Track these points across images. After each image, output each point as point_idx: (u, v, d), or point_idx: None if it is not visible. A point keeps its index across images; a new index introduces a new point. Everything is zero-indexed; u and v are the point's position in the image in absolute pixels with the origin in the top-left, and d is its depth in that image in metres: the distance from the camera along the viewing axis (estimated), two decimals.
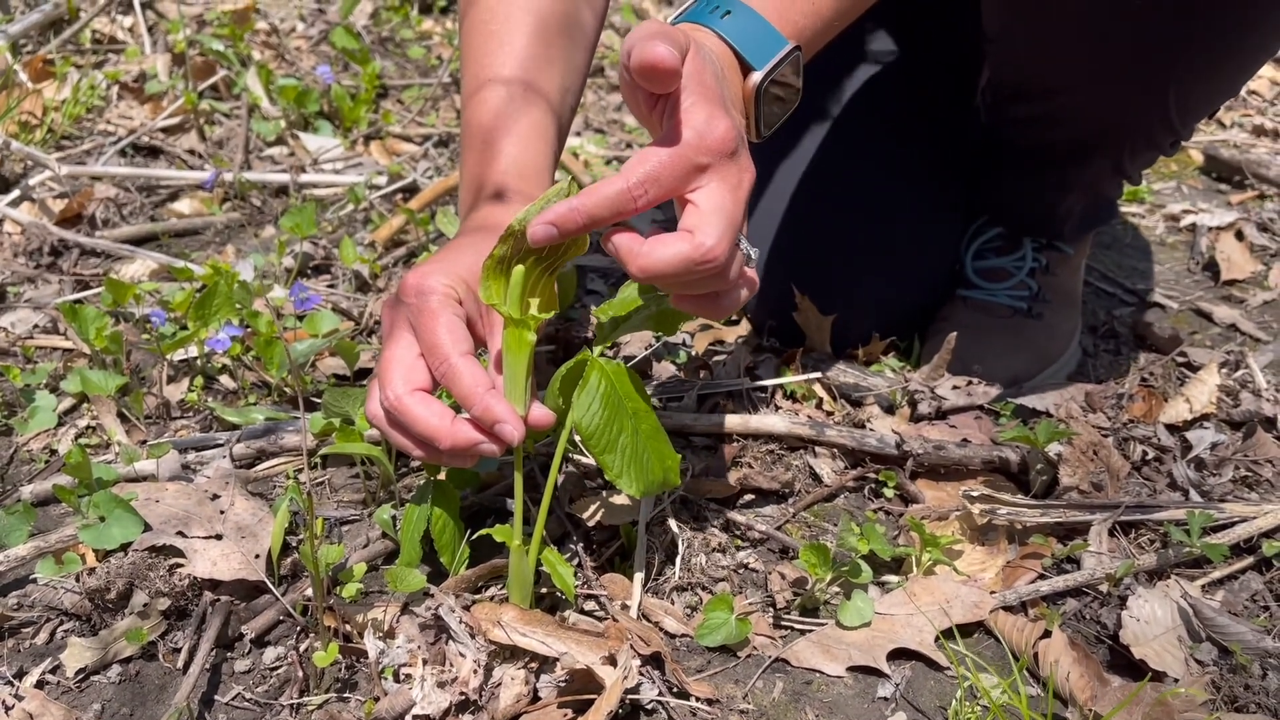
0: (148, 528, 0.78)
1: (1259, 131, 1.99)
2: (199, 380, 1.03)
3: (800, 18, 0.73)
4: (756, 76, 0.69)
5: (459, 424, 0.65)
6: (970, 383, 1.06)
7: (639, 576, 0.79)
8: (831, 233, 1.09)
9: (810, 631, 0.78)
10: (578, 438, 0.77)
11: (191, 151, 1.61)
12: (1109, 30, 0.87)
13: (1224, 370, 1.14)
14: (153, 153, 1.61)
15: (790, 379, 1.04)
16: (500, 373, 0.67)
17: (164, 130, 1.64)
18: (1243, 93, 2.20)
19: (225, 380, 1.05)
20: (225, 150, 1.61)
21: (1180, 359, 1.17)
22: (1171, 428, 1.03)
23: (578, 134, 1.83)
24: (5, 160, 1.47)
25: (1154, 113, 0.96)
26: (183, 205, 1.46)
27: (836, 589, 0.81)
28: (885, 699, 0.74)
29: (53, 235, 1.30)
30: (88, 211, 1.39)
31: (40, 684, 0.69)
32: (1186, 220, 1.60)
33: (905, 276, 1.12)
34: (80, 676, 0.70)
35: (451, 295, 0.68)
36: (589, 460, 0.91)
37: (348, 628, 0.71)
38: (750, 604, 0.80)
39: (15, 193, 1.42)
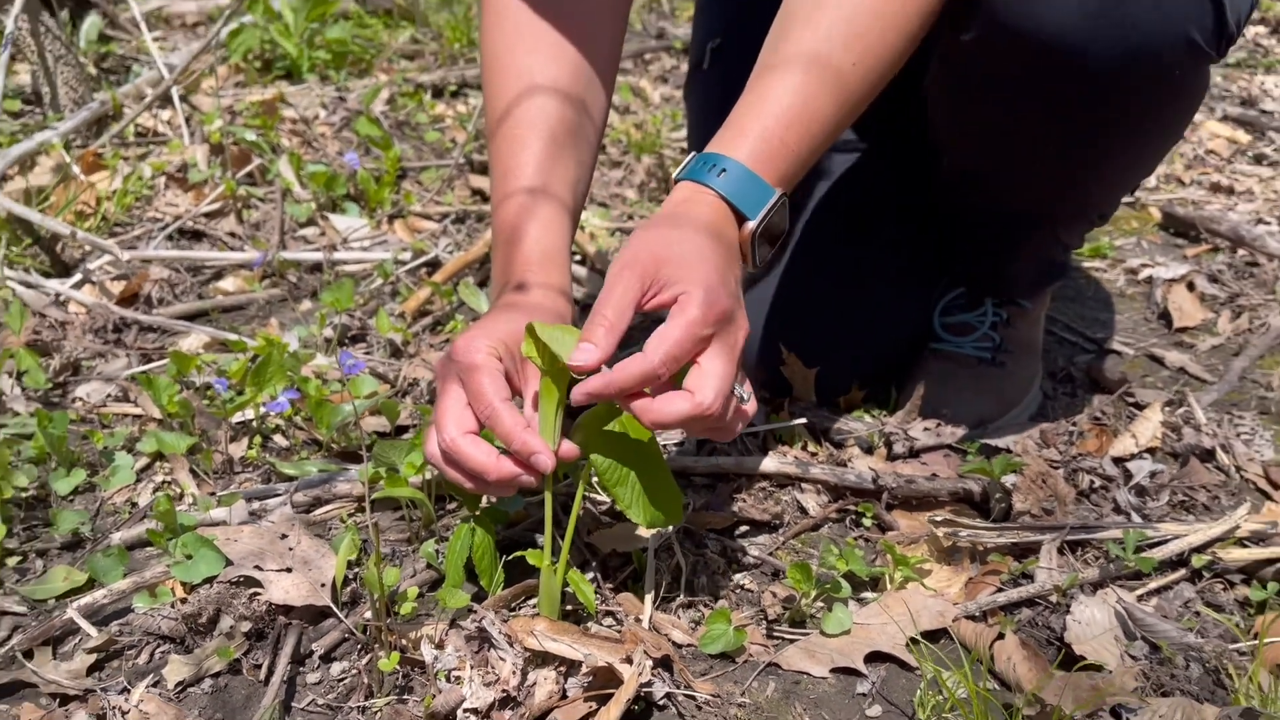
0: (229, 563, 0.91)
1: (1215, 188, 2.15)
2: (257, 439, 1.17)
3: (784, 164, 0.87)
4: (751, 225, 0.85)
5: (502, 460, 0.79)
6: (939, 425, 1.19)
7: (649, 595, 0.92)
8: (816, 299, 1.24)
9: (798, 640, 0.91)
10: (595, 479, 0.90)
11: (232, 234, 1.76)
12: (1032, 138, 1.03)
13: (1168, 408, 1.28)
14: (197, 236, 1.76)
15: (779, 424, 1.18)
16: (536, 414, 0.81)
17: (206, 215, 1.80)
18: (1201, 151, 2.37)
19: (279, 438, 1.19)
20: (262, 232, 1.77)
21: (1129, 399, 1.31)
22: (1118, 460, 1.16)
23: (585, 209, 1.99)
24: (66, 247, 1.63)
25: (1078, 198, 1.12)
26: (227, 283, 1.61)
27: (820, 603, 0.94)
28: (863, 695, 0.86)
29: (115, 314, 1.45)
30: (144, 291, 1.54)
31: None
32: (1144, 273, 1.74)
33: (881, 335, 1.27)
34: (179, 689, 0.83)
35: (493, 354, 0.82)
36: (605, 500, 1.04)
37: (404, 641, 0.84)
38: (746, 617, 0.93)
39: (77, 276, 1.57)
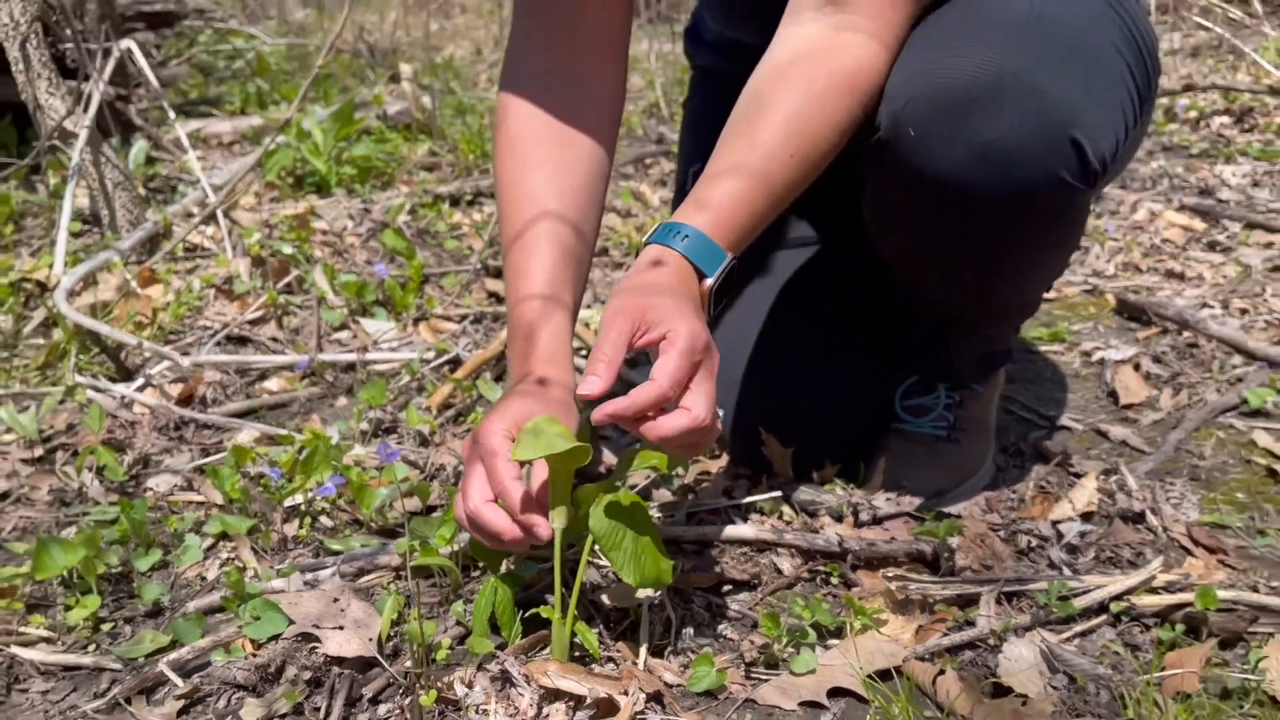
0: (291, 623, 1.09)
1: (1169, 274, 2.34)
2: (308, 519, 1.35)
3: (733, 234, 1.07)
4: (709, 282, 1.04)
5: (514, 525, 0.98)
6: (900, 495, 1.37)
7: (644, 644, 1.09)
8: (785, 386, 1.43)
9: (771, 679, 1.07)
10: (596, 546, 1.07)
11: (274, 338, 1.97)
12: (946, 257, 1.22)
13: (1103, 477, 1.45)
14: (242, 341, 1.97)
15: (759, 497, 1.35)
16: (545, 486, 1.00)
17: (250, 322, 2.01)
18: (1158, 240, 2.56)
19: (326, 519, 1.37)
20: (301, 336, 1.97)
21: (1071, 469, 1.48)
22: (1055, 522, 1.33)
23: (588, 306, 2.19)
24: (129, 355, 1.83)
25: (998, 304, 1.31)
26: (272, 384, 1.81)
27: (791, 648, 1.10)
28: None
29: (176, 414, 1.64)
30: (199, 393, 1.73)
31: None
32: (1097, 355, 1.92)
33: (846, 417, 1.45)
34: None
35: (508, 437, 1.01)
36: (606, 565, 1.22)
37: (440, 683, 1.01)
38: (727, 660, 1.09)
39: (140, 380, 1.77)
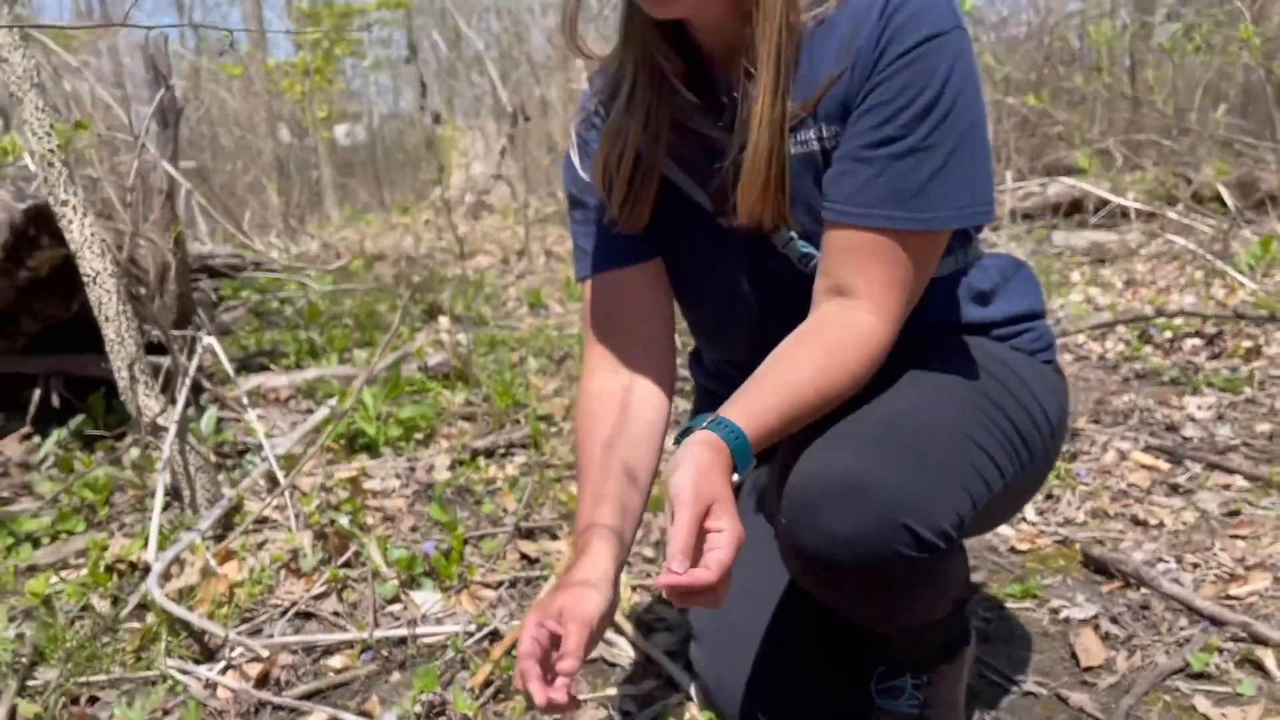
0: None
1: (1134, 521, 2.59)
2: None
3: (762, 444, 1.34)
4: (735, 478, 1.31)
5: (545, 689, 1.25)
6: None
7: None
8: (784, 656, 1.68)
9: None
10: None
11: (335, 613, 2.24)
12: (840, 603, 1.48)
13: None
14: (308, 616, 2.24)
15: None
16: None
17: (314, 597, 2.29)
18: (1125, 484, 2.83)
19: None
20: (359, 610, 2.25)
21: None
22: None
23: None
24: (210, 639, 2.11)
25: (916, 624, 1.53)
26: (335, 660, 2.07)
27: None
28: None
29: (254, 697, 1.91)
30: (273, 674, 2.00)
31: None
32: (1063, 613, 2.16)
33: (842, 691, 1.69)
34: None
35: (542, 629, 1.29)
36: None
37: None
38: None
39: (221, 662, 2.04)
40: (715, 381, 1.93)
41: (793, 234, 1.53)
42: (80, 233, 2.43)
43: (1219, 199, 6.26)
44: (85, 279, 2.44)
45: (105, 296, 2.43)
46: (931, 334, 1.60)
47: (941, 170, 1.36)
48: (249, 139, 10.02)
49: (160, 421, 2.52)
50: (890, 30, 1.36)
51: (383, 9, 10.02)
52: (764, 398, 1.37)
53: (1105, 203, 6.66)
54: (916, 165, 1.36)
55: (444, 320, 4.19)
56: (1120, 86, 9.05)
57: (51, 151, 2.36)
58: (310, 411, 3.63)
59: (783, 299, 1.57)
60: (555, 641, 1.32)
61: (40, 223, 2.95)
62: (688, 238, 1.63)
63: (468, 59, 16.07)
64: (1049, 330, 1.69)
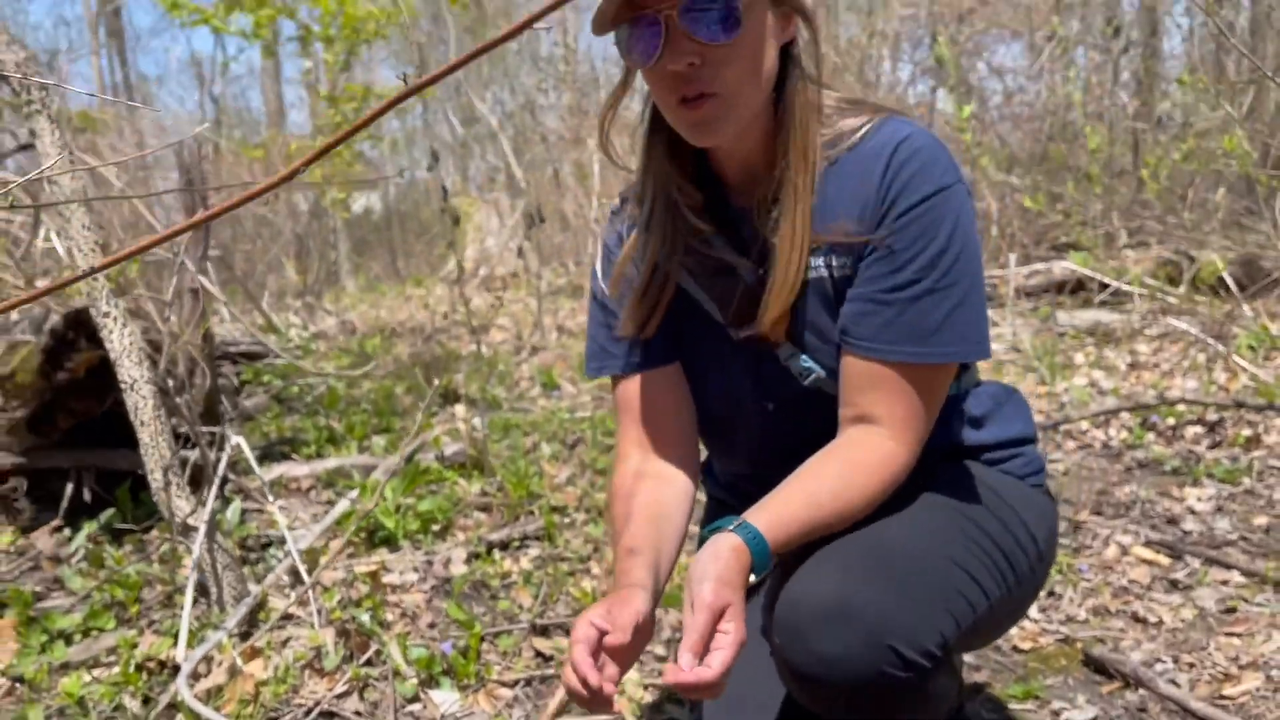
0: None
1: (1134, 618, 2.65)
2: None
3: (781, 548, 1.44)
4: (753, 579, 1.40)
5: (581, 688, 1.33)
6: None
7: None
8: None
9: None
10: None
11: (357, 713, 2.32)
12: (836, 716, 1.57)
13: None
14: (330, 715, 2.32)
15: None
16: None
17: (337, 696, 2.37)
18: (1125, 581, 2.89)
19: None
20: (380, 710, 2.32)
21: None
22: None
23: None
24: None
25: None
26: None
27: None
28: None
29: None
30: None
31: None
32: (1064, 715, 2.22)
33: None
34: None
35: (593, 628, 1.36)
36: None
37: None
38: None
39: None
40: (726, 492, 2.03)
41: (795, 351, 1.64)
42: (120, 342, 2.56)
43: (1223, 280, 6.37)
44: (123, 385, 2.56)
45: (141, 402, 2.55)
46: (926, 456, 1.70)
47: (956, 309, 1.49)
48: (269, 217, 10.27)
49: (190, 521, 2.62)
50: (897, 185, 1.49)
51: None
52: (787, 506, 1.48)
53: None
54: (934, 306, 1.49)
55: (460, 408, 4.30)
56: (1122, 164, 9.23)
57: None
58: (331, 503, 3.72)
59: (780, 406, 1.69)
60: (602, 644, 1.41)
61: (78, 326, 3.09)
62: (695, 344, 1.75)
63: (482, 136, 16.45)
64: (1039, 455, 1.78)
